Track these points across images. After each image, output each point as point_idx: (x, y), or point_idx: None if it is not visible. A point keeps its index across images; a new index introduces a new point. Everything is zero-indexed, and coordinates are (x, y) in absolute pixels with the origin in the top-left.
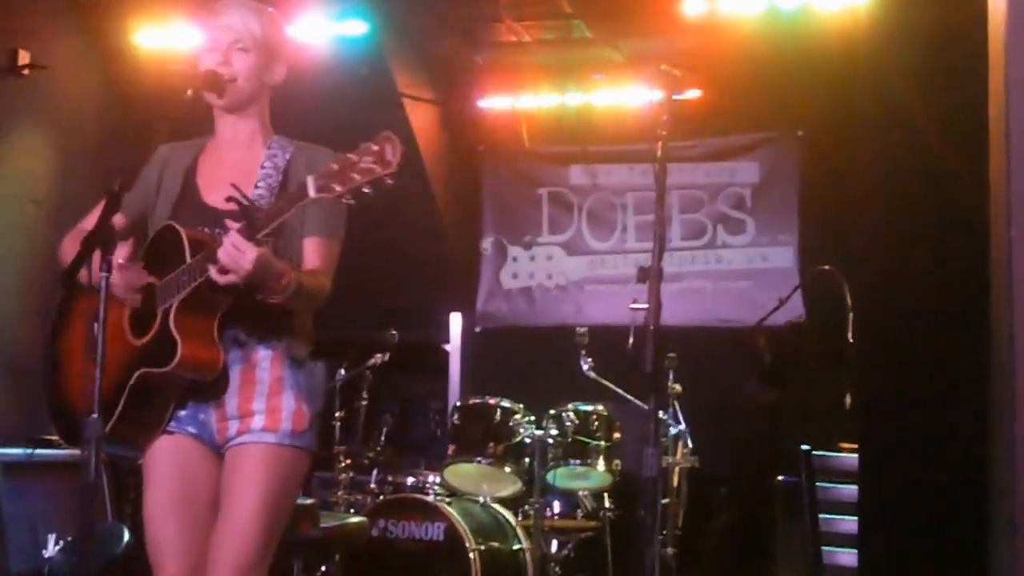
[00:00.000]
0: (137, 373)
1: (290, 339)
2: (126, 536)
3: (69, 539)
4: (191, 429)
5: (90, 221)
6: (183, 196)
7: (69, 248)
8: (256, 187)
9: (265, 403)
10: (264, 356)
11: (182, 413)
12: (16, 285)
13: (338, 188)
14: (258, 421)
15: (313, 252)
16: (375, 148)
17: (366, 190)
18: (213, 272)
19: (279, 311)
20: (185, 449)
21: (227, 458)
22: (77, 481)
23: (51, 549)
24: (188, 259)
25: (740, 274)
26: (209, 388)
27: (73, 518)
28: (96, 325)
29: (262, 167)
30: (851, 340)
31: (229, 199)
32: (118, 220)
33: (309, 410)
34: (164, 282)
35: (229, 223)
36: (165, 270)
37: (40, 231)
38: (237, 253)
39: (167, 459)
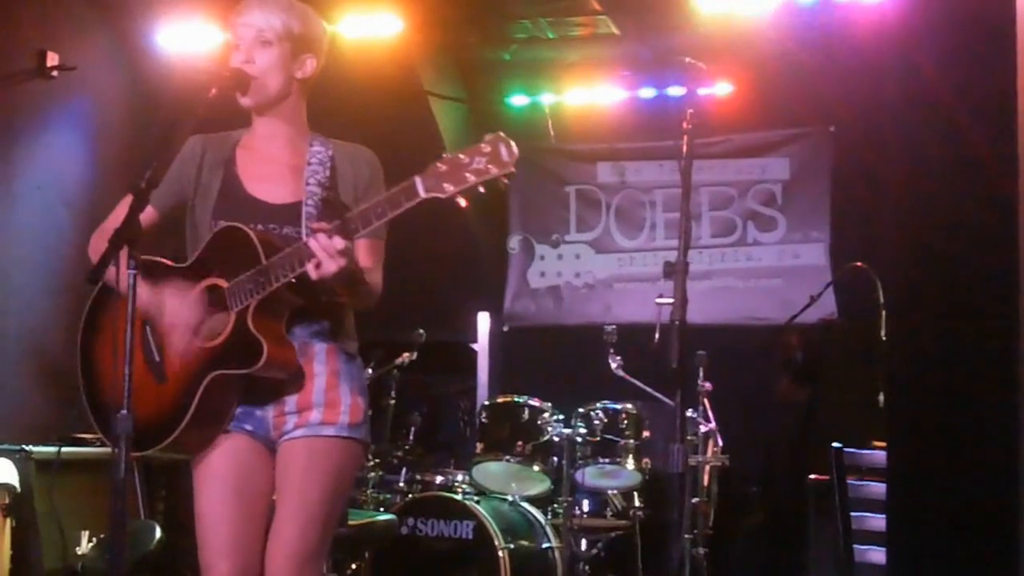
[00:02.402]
0: (210, 376)
1: (342, 334)
2: (158, 533)
3: (101, 536)
4: (247, 426)
5: (116, 217)
6: (225, 190)
7: (97, 245)
8: (307, 184)
9: (323, 396)
10: (320, 350)
11: (238, 411)
12: (48, 285)
13: (450, 188)
14: (316, 415)
15: (366, 253)
16: (487, 149)
17: (481, 189)
18: (311, 268)
19: (335, 308)
20: (240, 447)
21: (284, 451)
22: (109, 479)
23: (84, 546)
24: (263, 260)
25: (771, 271)
26: (276, 385)
27: (105, 515)
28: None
29: (309, 163)
30: (884, 338)
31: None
32: (149, 213)
33: (364, 402)
34: (235, 283)
35: (291, 231)
36: (234, 271)
37: (71, 231)
38: (327, 256)
39: (223, 458)
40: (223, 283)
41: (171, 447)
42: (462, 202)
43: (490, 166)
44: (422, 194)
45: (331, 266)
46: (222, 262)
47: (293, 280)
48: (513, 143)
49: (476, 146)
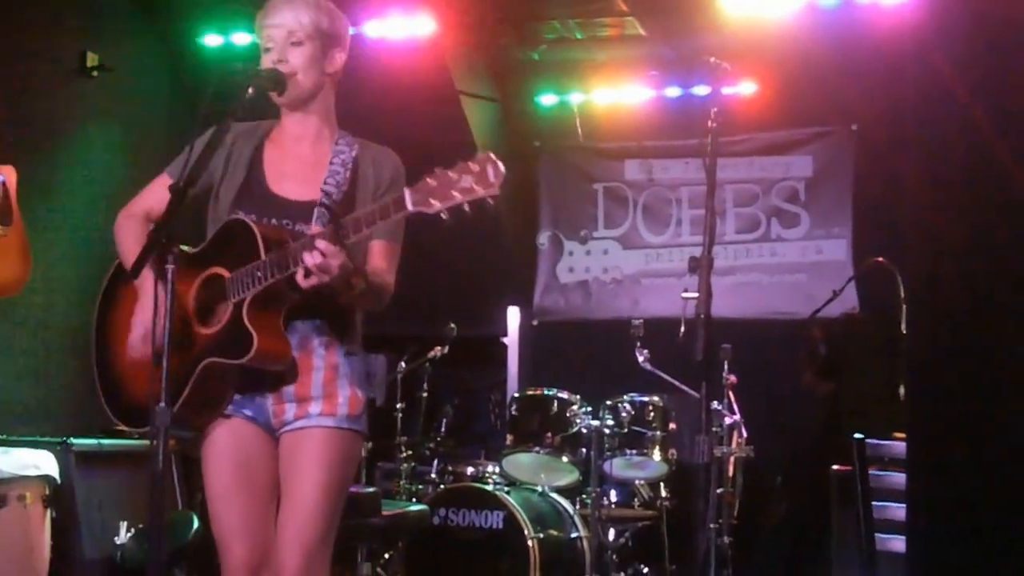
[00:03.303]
0: (204, 363)
1: (343, 329)
2: (195, 523)
3: (140, 526)
4: (247, 412)
5: (143, 199)
6: (248, 184)
7: (124, 227)
8: (325, 183)
9: (322, 389)
10: (320, 344)
11: (238, 396)
12: (88, 279)
13: (436, 204)
14: (315, 406)
15: (379, 254)
16: (475, 168)
17: (466, 208)
18: (299, 275)
19: (338, 304)
20: (242, 432)
21: (285, 442)
22: (147, 470)
23: (123, 536)
24: (263, 255)
25: (794, 267)
26: (273, 376)
27: (144, 506)
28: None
29: (331, 163)
30: (904, 331)
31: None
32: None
33: (363, 395)
34: (236, 275)
35: (304, 228)
36: (235, 263)
37: (111, 226)
38: (325, 261)
39: (225, 442)
40: (225, 273)
41: (171, 424)
42: (444, 216)
43: (476, 186)
44: (410, 208)
45: (317, 277)
46: (227, 253)
47: (283, 278)
48: (500, 164)
49: (466, 164)
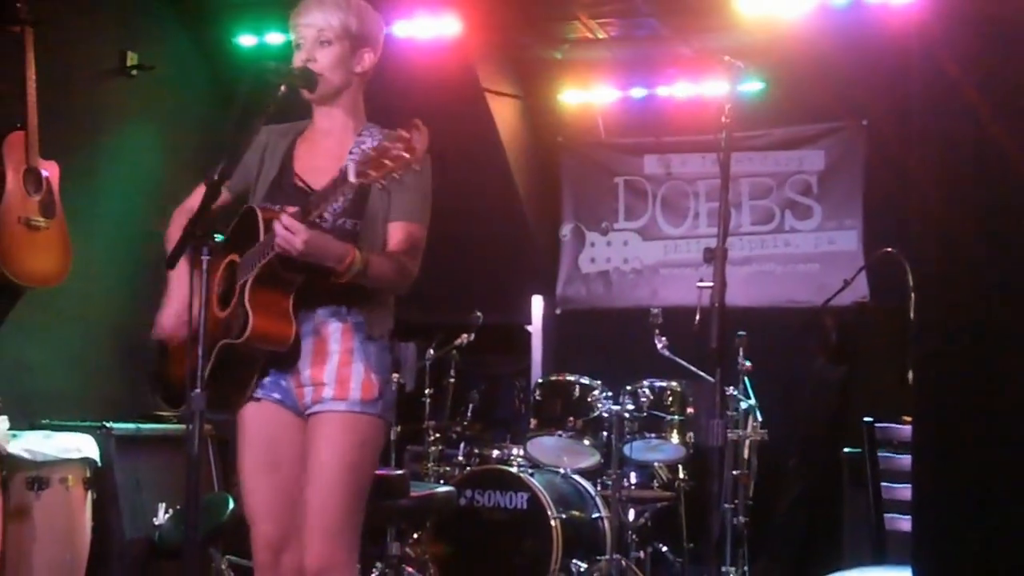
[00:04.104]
0: (219, 343)
1: (365, 315)
2: (231, 504)
3: (177, 507)
4: (275, 395)
5: (196, 197)
6: (279, 178)
7: (177, 222)
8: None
9: (335, 374)
10: (335, 329)
11: (266, 380)
12: (127, 272)
13: (373, 175)
14: (328, 391)
15: (393, 235)
16: (405, 135)
17: (396, 176)
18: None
19: (354, 289)
20: (270, 414)
21: (308, 426)
22: (184, 453)
23: (161, 517)
24: (262, 238)
25: (808, 257)
26: (285, 357)
27: (181, 487)
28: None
29: (350, 153)
30: (913, 319)
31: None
32: (223, 195)
33: (378, 379)
34: (243, 259)
35: (286, 208)
36: (245, 248)
37: (149, 220)
38: (289, 234)
39: (254, 424)
40: (237, 259)
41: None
42: (382, 185)
43: (404, 154)
44: (352, 179)
45: (289, 248)
46: (242, 240)
47: (274, 258)
48: (425, 131)
49: (399, 132)
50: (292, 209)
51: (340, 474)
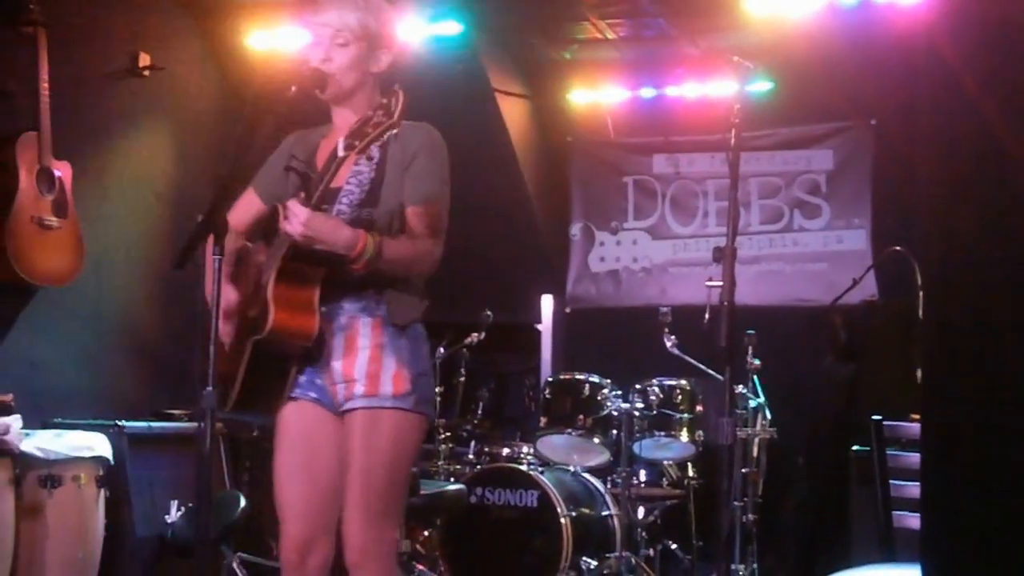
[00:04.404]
0: (250, 340)
1: (392, 306)
2: (242, 503)
3: (189, 505)
4: (312, 394)
5: (234, 220)
6: (304, 179)
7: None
8: (356, 165)
9: (365, 369)
10: (365, 323)
11: (303, 379)
12: (140, 271)
13: (358, 144)
14: (359, 387)
15: (411, 219)
16: (384, 102)
17: (380, 141)
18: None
19: (379, 279)
20: (307, 413)
21: (344, 422)
22: (196, 451)
23: (173, 514)
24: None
25: (816, 256)
26: (316, 354)
27: (193, 485)
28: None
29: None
30: (921, 317)
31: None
32: (257, 203)
33: (411, 372)
34: (267, 256)
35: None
36: (269, 245)
37: (160, 220)
38: (292, 217)
39: (292, 424)
40: (263, 257)
41: (239, 406)
42: (372, 154)
43: (384, 119)
44: (341, 153)
45: (292, 231)
46: (271, 239)
47: (288, 251)
48: (403, 96)
49: (380, 101)
50: (299, 196)
51: (371, 469)
